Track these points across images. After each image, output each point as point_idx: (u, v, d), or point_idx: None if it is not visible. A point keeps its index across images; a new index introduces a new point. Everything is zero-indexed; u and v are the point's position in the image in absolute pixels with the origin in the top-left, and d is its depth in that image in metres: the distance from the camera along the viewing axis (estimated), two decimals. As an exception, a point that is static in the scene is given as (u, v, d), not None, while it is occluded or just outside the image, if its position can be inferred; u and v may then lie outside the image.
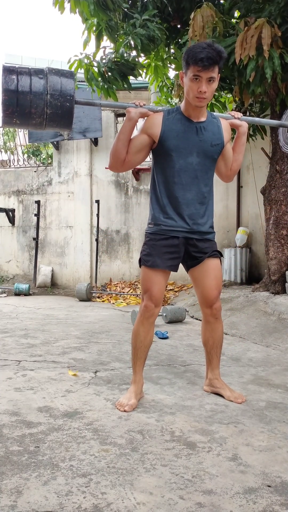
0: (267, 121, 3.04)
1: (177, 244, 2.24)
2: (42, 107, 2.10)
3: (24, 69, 2.12)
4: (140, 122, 2.38)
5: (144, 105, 2.23)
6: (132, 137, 2.22)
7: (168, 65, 5.35)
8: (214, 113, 2.32)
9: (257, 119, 2.76)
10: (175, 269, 2.28)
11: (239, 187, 6.52)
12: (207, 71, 2.02)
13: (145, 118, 2.25)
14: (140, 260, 2.30)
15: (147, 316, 2.25)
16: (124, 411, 2.17)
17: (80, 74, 4.79)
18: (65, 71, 2.17)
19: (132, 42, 4.34)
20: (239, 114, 2.34)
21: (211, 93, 2.09)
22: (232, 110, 5.85)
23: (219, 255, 2.37)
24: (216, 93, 5.20)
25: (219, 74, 2.09)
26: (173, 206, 2.22)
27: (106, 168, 7.28)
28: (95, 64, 4.70)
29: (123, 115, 7.52)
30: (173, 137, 2.17)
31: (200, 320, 4.69)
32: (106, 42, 4.78)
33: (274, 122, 2.92)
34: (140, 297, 2.25)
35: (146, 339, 2.28)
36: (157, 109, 2.26)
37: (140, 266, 2.31)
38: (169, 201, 2.22)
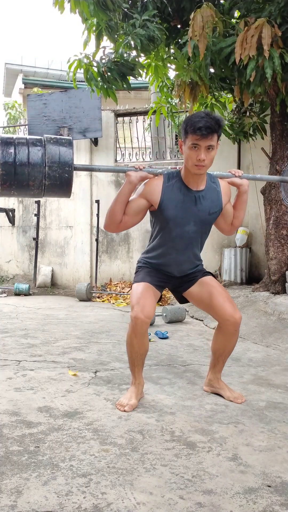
0: (268, 177, 3.02)
1: (167, 276, 2.35)
2: (40, 179, 2.07)
3: (21, 140, 2.09)
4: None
5: (144, 168, 2.23)
6: (130, 199, 2.22)
7: (168, 65, 5.35)
8: (214, 173, 2.31)
9: (258, 176, 2.75)
10: (161, 290, 2.38)
11: (239, 187, 6.51)
12: (205, 139, 2.03)
13: (145, 181, 2.24)
14: (132, 285, 2.37)
15: (139, 328, 2.17)
16: (124, 411, 2.17)
17: (80, 74, 4.78)
18: (63, 140, 2.15)
19: (132, 42, 4.34)
20: (240, 172, 2.32)
21: (210, 160, 2.09)
22: (233, 110, 5.85)
23: (212, 275, 2.41)
24: (216, 93, 5.19)
25: (218, 142, 2.11)
26: (165, 259, 2.31)
27: (106, 168, 7.29)
28: (95, 64, 4.70)
29: (123, 115, 7.53)
30: (172, 207, 2.18)
31: (200, 320, 4.72)
32: (106, 42, 4.77)
33: (275, 178, 2.88)
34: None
35: (141, 349, 2.25)
36: (157, 172, 2.26)
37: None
38: (162, 254, 2.31)
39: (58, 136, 2.18)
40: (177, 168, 2.29)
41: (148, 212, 2.31)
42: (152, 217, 2.31)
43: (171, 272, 2.34)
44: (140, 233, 7.17)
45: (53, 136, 2.16)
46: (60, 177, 2.09)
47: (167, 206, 2.18)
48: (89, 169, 2.42)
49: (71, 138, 2.22)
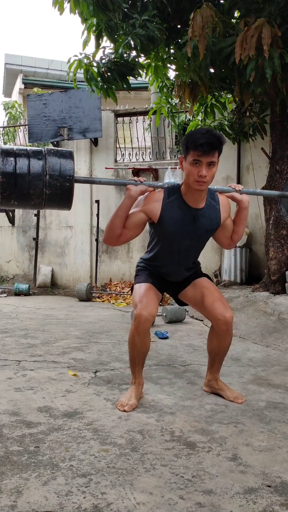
0: (268, 192, 3.03)
1: (164, 280, 2.40)
2: (41, 188, 2.06)
3: (22, 151, 2.08)
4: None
5: (144, 181, 2.22)
6: (130, 212, 2.22)
7: (168, 65, 5.35)
8: (214, 188, 2.30)
9: (258, 191, 2.74)
10: (162, 292, 2.43)
11: (239, 187, 6.51)
12: (207, 156, 2.03)
13: (145, 194, 2.24)
14: (133, 286, 2.40)
15: (142, 326, 2.18)
16: (124, 411, 2.17)
17: (80, 74, 4.78)
18: (64, 152, 2.14)
19: (131, 42, 4.34)
20: (240, 187, 2.32)
21: (211, 177, 2.09)
22: (233, 110, 5.85)
23: (207, 276, 2.44)
24: (216, 93, 5.20)
25: (218, 159, 2.10)
26: (163, 271, 2.37)
27: (106, 168, 7.30)
28: (95, 64, 4.70)
29: (123, 115, 7.53)
30: (171, 224, 2.20)
31: (200, 320, 4.72)
32: (105, 42, 4.77)
33: (275, 193, 2.87)
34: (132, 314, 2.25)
35: (143, 348, 2.26)
36: (157, 185, 2.26)
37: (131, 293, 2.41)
38: (160, 265, 2.36)
39: (59, 148, 2.18)
40: (178, 183, 2.29)
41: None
42: (150, 227, 2.33)
43: (168, 279, 2.39)
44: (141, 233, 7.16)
45: (53, 148, 2.15)
46: (61, 186, 2.08)
47: (166, 222, 2.20)
48: (90, 181, 2.42)
49: (72, 150, 2.21)
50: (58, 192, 2.09)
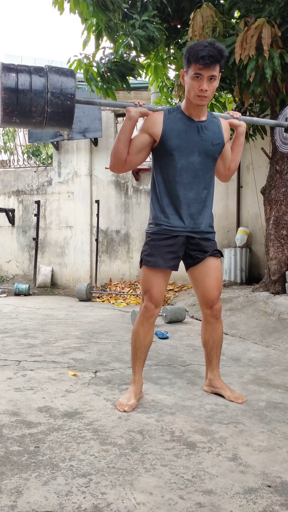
0: (265, 120, 3.05)
1: (178, 243, 2.24)
2: (42, 106, 2.06)
3: (23, 67, 2.08)
4: (140, 122, 2.37)
5: (143, 104, 2.22)
6: (132, 137, 2.21)
7: (168, 65, 5.35)
8: (214, 113, 2.32)
9: (255, 118, 2.77)
10: (176, 268, 2.28)
11: (239, 187, 6.52)
12: (208, 69, 2.01)
13: (145, 117, 2.23)
14: (141, 261, 2.28)
15: (147, 317, 2.24)
16: (124, 411, 2.17)
17: (80, 74, 4.78)
18: (65, 70, 2.14)
19: (131, 43, 4.34)
20: (238, 114, 2.33)
21: (212, 91, 2.09)
22: (232, 109, 5.85)
23: (220, 254, 2.36)
24: (216, 93, 5.20)
25: (220, 73, 2.09)
26: (174, 206, 2.22)
27: (106, 168, 7.29)
28: (95, 64, 4.70)
29: (123, 115, 7.52)
30: (175, 136, 2.16)
31: (200, 320, 4.71)
32: (105, 42, 4.78)
33: (272, 121, 2.94)
34: (140, 298, 2.23)
35: (146, 339, 2.28)
36: (157, 108, 2.25)
37: (140, 267, 2.30)
38: (170, 200, 2.22)
39: (61, 67, 2.17)
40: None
41: (151, 163, 2.28)
42: (155, 157, 2.26)
43: (182, 226, 2.21)
44: (140, 233, 7.17)
45: (55, 66, 2.15)
46: (62, 104, 2.08)
47: (170, 136, 2.16)
48: (91, 102, 2.40)
49: (72, 69, 2.21)
50: (59, 110, 2.09)
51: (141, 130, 2.22)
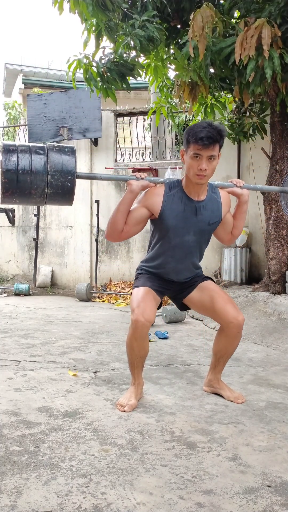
0: (269, 187, 3.03)
1: (165, 282, 2.35)
2: (42, 188, 2.06)
3: (24, 147, 2.07)
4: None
5: (145, 177, 2.22)
6: (131, 208, 2.21)
7: (168, 65, 5.34)
8: (215, 183, 2.30)
9: (259, 186, 2.75)
10: (161, 296, 2.36)
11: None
12: (207, 149, 2.03)
13: (146, 190, 2.23)
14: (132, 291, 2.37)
15: (139, 331, 2.15)
16: (124, 411, 2.17)
17: (80, 74, 4.78)
18: (66, 149, 2.13)
19: (131, 43, 4.34)
20: (241, 182, 2.31)
21: (211, 170, 2.09)
22: (233, 110, 5.85)
23: (211, 279, 2.41)
24: (216, 93, 5.19)
25: (220, 153, 2.10)
26: (164, 270, 2.32)
27: (106, 168, 7.30)
28: (94, 64, 4.69)
29: (123, 115, 7.53)
30: (173, 217, 2.18)
31: (200, 320, 4.72)
32: (105, 42, 4.77)
33: (276, 188, 2.89)
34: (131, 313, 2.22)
35: (141, 352, 2.24)
36: (159, 181, 2.25)
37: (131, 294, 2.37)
38: (161, 265, 2.31)
39: (61, 144, 2.16)
40: (178, 178, 2.27)
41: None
42: (152, 225, 2.31)
43: (171, 278, 2.34)
44: (140, 233, 7.14)
45: (55, 144, 2.14)
46: (62, 186, 2.08)
47: (168, 215, 2.18)
48: (91, 177, 2.41)
49: (74, 146, 2.20)
50: (59, 191, 2.09)
51: (141, 204, 2.22)
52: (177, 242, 2.23)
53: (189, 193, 2.19)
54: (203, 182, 2.12)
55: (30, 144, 2.12)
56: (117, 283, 7.23)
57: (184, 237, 2.22)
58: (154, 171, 6.98)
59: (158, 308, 2.36)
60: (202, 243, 2.32)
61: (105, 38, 4.70)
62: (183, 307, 2.47)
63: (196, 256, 2.33)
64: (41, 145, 2.12)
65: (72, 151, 2.14)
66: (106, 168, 7.32)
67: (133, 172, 7.04)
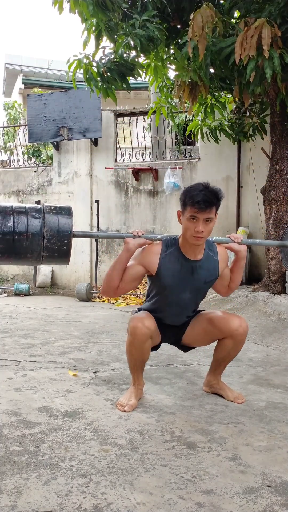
0: (268, 242, 3.02)
1: (163, 326, 2.32)
2: (38, 252, 2.07)
3: (21, 209, 2.07)
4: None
5: (142, 234, 2.21)
6: (128, 264, 2.21)
7: (168, 65, 5.34)
8: (213, 239, 2.29)
9: (257, 241, 2.75)
10: (160, 339, 2.34)
11: (239, 187, 6.52)
12: (204, 212, 2.04)
13: (143, 247, 2.23)
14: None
15: (138, 338, 2.16)
16: (124, 411, 2.17)
17: (80, 74, 4.78)
18: (62, 210, 2.12)
19: (131, 42, 4.34)
20: (240, 238, 2.29)
21: (208, 232, 2.10)
22: (233, 110, 5.85)
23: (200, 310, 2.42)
24: (216, 93, 5.20)
25: (216, 214, 2.11)
26: (162, 319, 2.30)
27: (106, 168, 7.30)
28: (94, 64, 4.69)
29: (123, 115, 7.53)
30: (169, 276, 2.19)
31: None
32: (105, 42, 4.77)
33: (275, 243, 2.88)
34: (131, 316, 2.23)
35: (141, 357, 2.24)
36: (156, 238, 2.25)
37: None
38: (158, 316, 2.29)
39: (58, 206, 2.15)
40: (176, 235, 2.26)
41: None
42: (148, 279, 2.32)
43: (168, 323, 2.34)
44: (140, 233, 7.16)
45: (52, 206, 2.14)
46: (58, 249, 2.08)
47: (164, 275, 2.19)
48: (88, 236, 2.40)
49: (71, 206, 2.19)
50: (55, 254, 2.10)
51: (137, 262, 2.21)
52: (173, 299, 2.25)
53: (185, 253, 2.19)
54: (200, 243, 2.12)
55: (27, 206, 2.11)
56: (117, 283, 7.22)
57: (180, 294, 2.23)
58: (154, 171, 6.99)
59: (155, 349, 2.36)
60: (198, 299, 2.34)
61: (105, 38, 4.70)
62: (186, 348, 2.48)
63: (192, 309, 2.35)
64: (38, 207, 2.11)
65: (68, 212, 2.13)
66: (106, 168, 7.32)
67: (133, 172, 7.06)
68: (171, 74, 5.58)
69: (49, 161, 8.29)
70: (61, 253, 2.11)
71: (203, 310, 2.43)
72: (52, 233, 2.06)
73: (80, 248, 7.55)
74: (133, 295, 6.58)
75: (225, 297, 2.54)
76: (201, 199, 2.02)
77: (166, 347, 3.52)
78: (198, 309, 2.41)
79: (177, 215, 2.19)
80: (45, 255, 2.09)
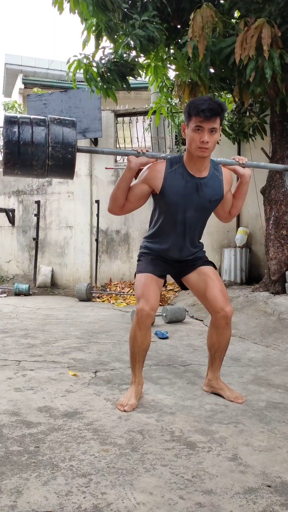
0: (272, 165, 3.01)
1: (167, 263, 2.36)
2: (43, 159, 2.08)
3: (25, 119, 2.09)
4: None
5: (147, 151, 2.21)
6: (132, 184, 2.22)
7: (168, 65, 5.34)
8: (217, 160, 2.29)
9: (262, 164, 2.73)
10: (164, 277, 2.37)
11: (239, 187, 6.51)
12: (209, 121, 2.03)
13: (147, 166, 2.23)
14: (135, 273, 2.37)
15: (143, 320, 2.20)
16: (124, 411, 2.17)
17: (80, 74, 4.78)
18: (67, 121, 2.14)
19: (131, 43, 4.34)
20: (244, 160, 2.30)
21: (213, 143, 2.09)
22: (233, 110, 5.85)
23: (213, 265, 2.41)
24: (216, 93, 5.19)
25: (220, 126, 2.11)
26: (166, 245, 2.32)
27: (106, 168, 7.29)
28: (94, 64, 4.69)
29: (123, 115, 7.53)
30: (174, 193, 2.18)
31: (200, 320, 4.72)
32: (105, 42, 4.77)
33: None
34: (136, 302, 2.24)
35: (144, 343, 2.26)
36: (160, 156, 2.24)
37: (135, 277, 2.38)
38: (163, 240, 2.32)
39: (62, 117, 2.17)
40: (180, 154, 2.27)
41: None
42: (154, 199, 2.31)
43: (172, 256, 2.34)
44: (140, 233, 7.16)
45: (56, 117, 2.15)
46: (63, 157, 2.10)
47: (169, 192, 2.18)
48: (93, 151, 2.41)
49: (74, 119, 2.19)
50: (60, 163, 2.11)
51: (142, 180, 2.22)
52: (178, 218, 2.23)
53: (190, 169, 2.18)
54: (206, 155, 2.11)
55: (32, 116, 2.13)
56: (117, 283, 7.23)
57: (186, 212, 2.22)
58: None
59: (163, 285, 2.39)
60: (203, 220, 2.32)
61: (105, 38, 4.70)
62: (182, 286, 2.48)
63: (196, 232, 2.33)
64: (42, 117, 2.13)
65: (72, 124, 2.14)
66: (106, 168, 7.32)
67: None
68: (171, 74, 5.59)
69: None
70: (66, 162, 2.11)
71: (213, 264, 2.41)
72: (57, 141, 2.08)
73: (80, 248, 7.56)
74: (133, 295, 6.58)
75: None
76: (206, 108, 2.01)
77: (166, 347, 3.53)
78: (208, 259, 2.40)
79: (182, 129, 2.18)
80: (51, 163, 2.09)
